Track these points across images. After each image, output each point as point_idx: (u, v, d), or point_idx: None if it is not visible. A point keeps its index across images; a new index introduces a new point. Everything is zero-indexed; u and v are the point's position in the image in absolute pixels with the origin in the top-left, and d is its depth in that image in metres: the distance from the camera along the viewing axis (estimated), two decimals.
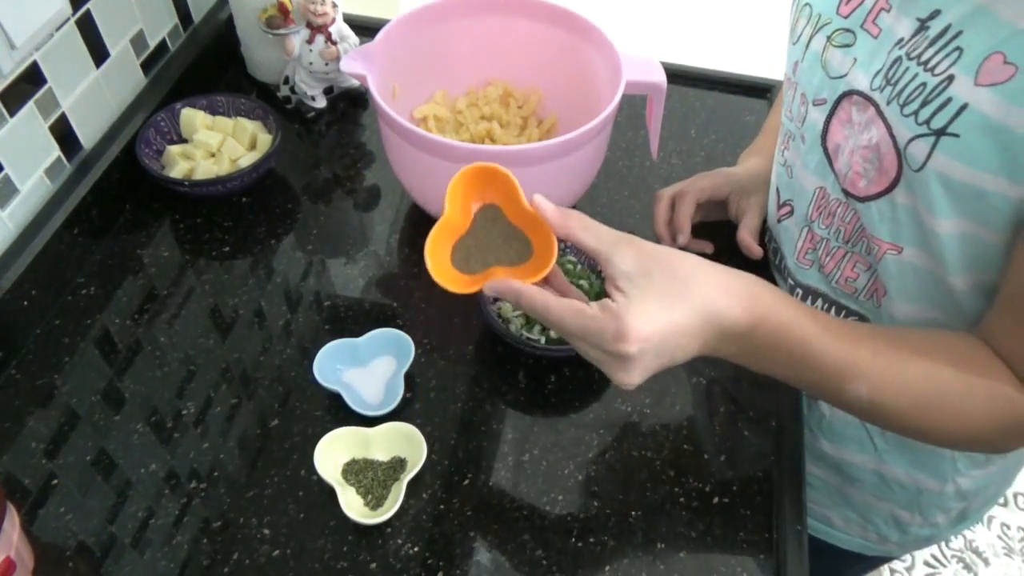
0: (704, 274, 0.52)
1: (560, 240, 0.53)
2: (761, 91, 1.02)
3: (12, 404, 0.69)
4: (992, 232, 0.53)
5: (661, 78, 0.77)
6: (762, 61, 1.22)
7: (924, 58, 0.52)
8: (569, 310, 0.51)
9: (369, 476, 0.63)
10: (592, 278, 0.75)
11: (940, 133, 0.51)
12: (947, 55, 0.50)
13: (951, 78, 0.50)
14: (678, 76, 1.01)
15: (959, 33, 0.50)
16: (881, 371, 0.55)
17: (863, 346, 0.55)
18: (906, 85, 0.53)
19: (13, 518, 0.56)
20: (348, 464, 0.64)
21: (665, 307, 0.50)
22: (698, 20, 2.47)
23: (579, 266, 0.76)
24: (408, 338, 0.70)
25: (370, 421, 0.66)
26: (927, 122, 0.51)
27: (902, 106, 0.53)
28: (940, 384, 0.56)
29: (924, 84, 0.52)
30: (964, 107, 0.49)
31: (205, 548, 0.61)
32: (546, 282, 0.57)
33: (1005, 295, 0.56)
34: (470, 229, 0.56)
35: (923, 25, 0.53)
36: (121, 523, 0.62)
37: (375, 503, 0.62)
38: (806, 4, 0.64)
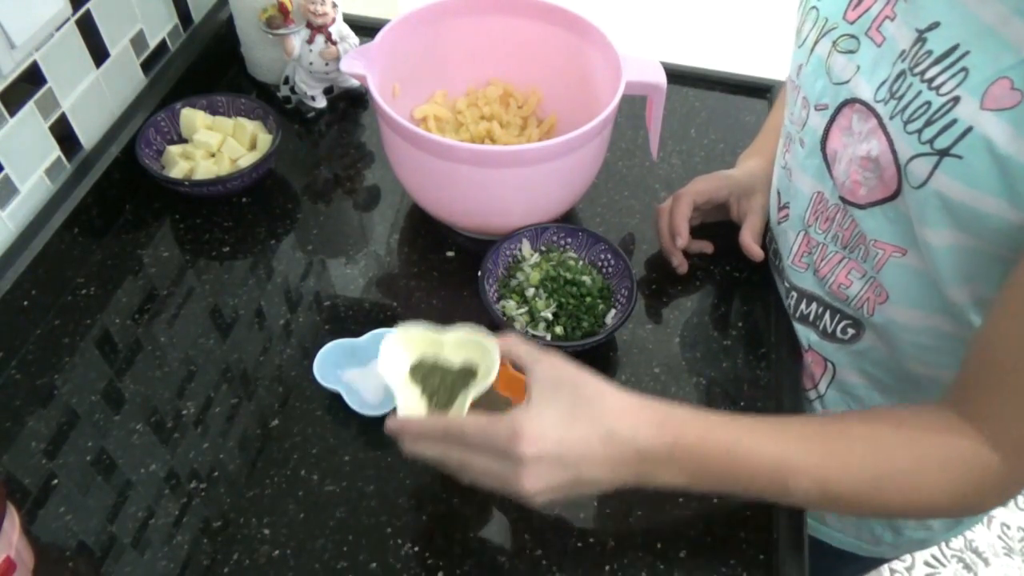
0: (610, 398, 0.54)
1: (504, 354, 0.57)
2: (761, 91, 1.02)
3: (12, 404, 0.69)
4: (990, 245, 0.52)
5: (661, 78, 0.77)
6: (762, 61, 1.23)
7: (928, 76, 0.51)
8: (468, 420, 0.53)
9: (436, 379, 0.58)
10: (594, 273, 0.75)
11: (943, 154, 0.50)
12: (953, 75, 0.50)
13: (956, 99, 0.49)
14: (678, 76, 1.01)
15: (966, 54, 0.49)
16: (819, 460, 0.54)
17: (792, 441, 0.55)
18: (910, 102, 0.52)
19: (13, 518, 0.56)
20: (417, 363, 0.59)
21: (565, 418, 0.52)
22: (698, 20, 2.48)
23: (581, 262, 0.76)
24: None
25: (443, 324, 0.61)
26: (930, 142, 0.51)
27: (905, 123, 0.53)
28: (887, 460, 0.54)
29: (929, 103, 0.51)
30: (969, 130, 0.49)
31: (205, 548, 0.61)
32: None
33: (976, 351, 0.54)
34: None
35: (920, 36, 0.52)
36: (121, 523, 0.62)
37: (437, 410, 0.58)
38: (813, 7, 0.63)
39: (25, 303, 0.73)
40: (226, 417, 0.69)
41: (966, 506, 0.56)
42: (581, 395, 0.53)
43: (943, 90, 0.50)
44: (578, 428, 0.52)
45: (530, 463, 0.50)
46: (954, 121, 0.50)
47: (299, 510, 0.63)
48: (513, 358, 0.57)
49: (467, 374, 0.58)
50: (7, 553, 0.54)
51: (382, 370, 0.57)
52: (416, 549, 0.61)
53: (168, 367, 0.72)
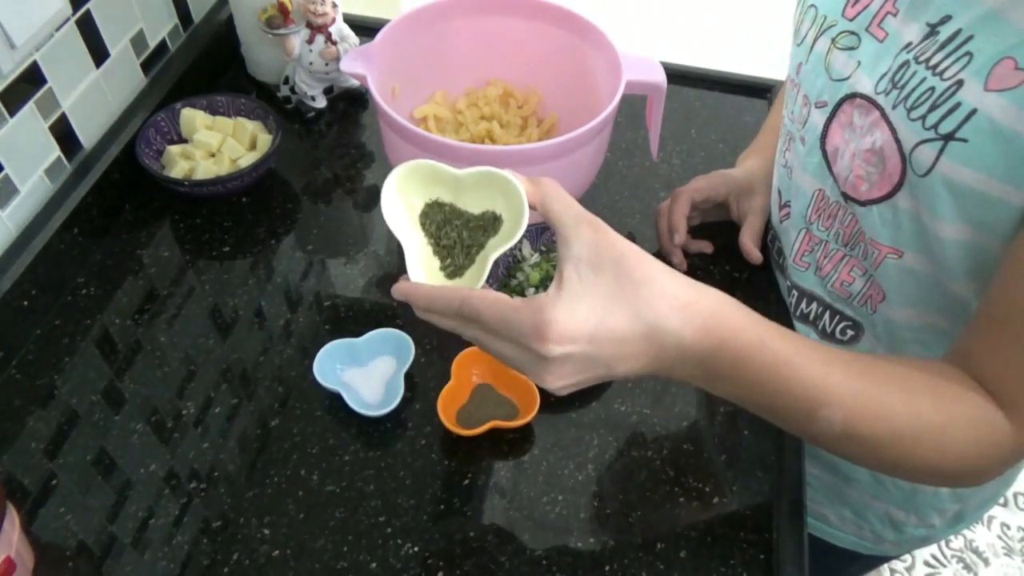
0: (663, 283, 0.46)
1: (532, 208, 0.48)
2: (761, 91, 1.02)
3: (12, 404, 0.69)
4: (997, 241, 0.52)
5: (661, 78, 0.77)
6: (762, 61, 1.22)
7: (933, 62, 0.51)
8: (486, 300, 0.45)
9: (453, 233, 0.48)
10: None
11: (948, 138, 0.50)
12: (956, 60, 0.50)
13: (960, 83, 0.50)
14: (678, 76, 1.01)
15: (969, 38, 0.49)
16: (856, 396, 0.50)
17: (836, 368, 0.50)
18: (913, 89, 0.53)
19: (13, 518, 0.56)
20: (429, 207, 0.48)
21: (601, 308, 0.45)
22: (698, 20, 2.47)
23: None
24: (408, 338, 0.70)
25: (460, 165, 0.50)
26: (935, 127, 0.51)
27: (909, 110, 0.53)
28: (919, 413, 0.51)
29: (932, 88, 0.51)
30: (973, 112, 0.49)
31: (205, 548, 0.61)
32: None
33: (987, 312, 0.53)
34: (470, 400, 0.69)
35: (933, 30, 0.52)
36: (121, 523, 0.62)
37: (453, 271, 0.48)
38: (811, 5, 0.64)
39: (25, 303, 0.73)
40: (226, 417, 0.69)
41: (986, 470, 0.53)
42: (626, 278, 0.45)
43: (947, 74, 0.50)
44: (616, 321, 0.45)
45: (556, 362, 0.45)
46: (958, 104, 0.50)
47: (299, 510, 0.63)
48: (546, 216, 0.48)
49: (489, 224, 0.48)
50: (7, 553, 0.54)
51: (386, 216, 0.47)
52: (416, 549, 0.61)
53: (168, 367, 0.72)
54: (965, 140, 0.50)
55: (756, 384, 0.49)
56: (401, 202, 0.48)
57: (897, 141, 0.55)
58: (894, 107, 0.54)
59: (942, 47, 0.51)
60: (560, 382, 0.46)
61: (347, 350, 0.71)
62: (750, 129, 0.94)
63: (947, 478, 0.56)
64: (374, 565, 0.60)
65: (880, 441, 0.51)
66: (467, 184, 0.48)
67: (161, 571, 0.60)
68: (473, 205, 0.49)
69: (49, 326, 0.75)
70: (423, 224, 0.49)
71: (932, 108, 0.51)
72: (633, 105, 0.96)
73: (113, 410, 0.69)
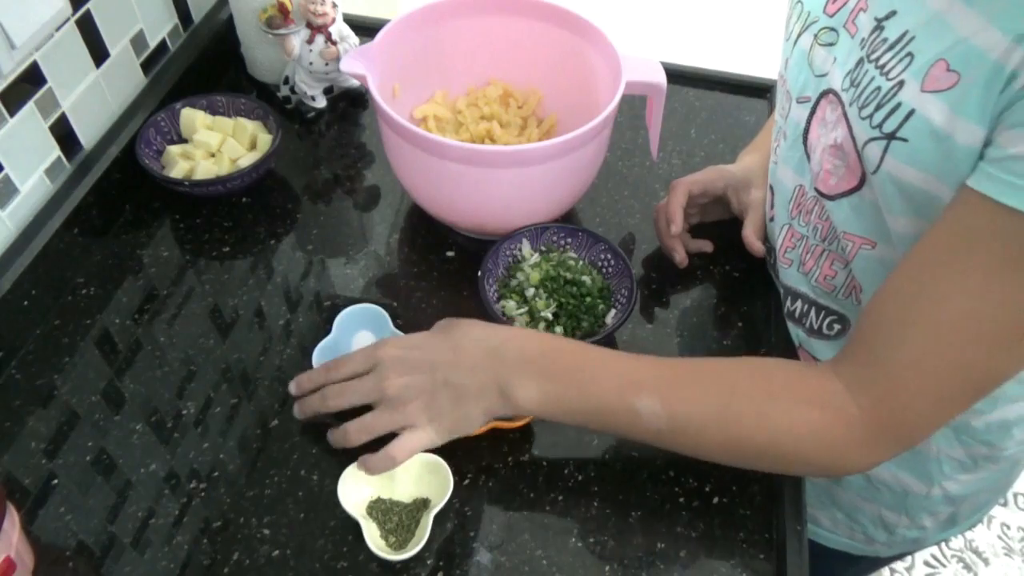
0: (476, 322, 0.62)
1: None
2: (761, 91, 1.02)
3: (12, 404, 0.69)
4: None
5: (661, 78, 0.77)
6: (762, 61, 1.23)
7: (881, 62, 0.52)
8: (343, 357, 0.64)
9: (394, 520, 0.61)
10: (594, 273, 0.75)
11: (891, 137, 0.51)
12: (900, 60, 0.51)
13: (902, 83, 0.50)
14: (678, 76, 1.01)
15: (912, 39, 0.50)
16: (666, 381, 0.58)
17: (642, 363, 0.60)
18: (865, 87, 0.54)
19: (13, 518, 0.56)
20: (373, 502, 0.62)
21: (427, 334, 0.63)
22: (698, 20, 2.48)
23: (581, 262, 0.76)
24: (379, 309, 0.72)
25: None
26: (880, 126, 0.52)
27: (860, 108, 0.54)
28: (735, 387, 0.57)
29: (879, 88, 0.52)
30: (912, 112, 0.50)
31: (205, 548, 0.61)
32: None
33: (860, 319, 0.56)
34: None
35: (879, 25, 0.53)
36: (121, 523, 0.62)
37: (398, 545, 0.60)
38: (798, 1, 0.64)
39: (25, 303, 0.73)
40: (226, 417, 0.69)
41: (826, 447, 0.56)
42: (451, 323, 0.63)
43: (891, 74, 0.51)
44: (436, 337, 0.62)
45: (391, 362, 0.60)
46: (899, 104, 0.51)
47: (299, 510, 0.63)
48: None
49: (420, 506, 0.62)
50: (7, 553, 0.54)
51: (344, 505, 0.61)
52: (416, 549, 0.61)
53: (168, 367, 0.72)
54: (906, 140, 0.51)
55: (574, 386, 0.59)
56: (354, 490, 0.62)
57: (853, 138, 0.56)
58: (851, 104, 0.55)
59: (890, 47, 0.52)
60: (398, 380, 0.59)
61: (331, 345, 0.71)
62: (750, 129, 0.94)
63: (794, 455, 0.57)
64: (374, 565, 0.60)
65: (704, 420, 0.57)
66: (400, 472, 0.62)
67: (161, 571, 0.60)
68: (405, 493, 0.63)
69: (49, 326, 0.75)
70: (371, 513, 0.62)
71: (878, 107, 0.52)
72: (633, 105, 0.96)
73: (113, 410, 0.69)
